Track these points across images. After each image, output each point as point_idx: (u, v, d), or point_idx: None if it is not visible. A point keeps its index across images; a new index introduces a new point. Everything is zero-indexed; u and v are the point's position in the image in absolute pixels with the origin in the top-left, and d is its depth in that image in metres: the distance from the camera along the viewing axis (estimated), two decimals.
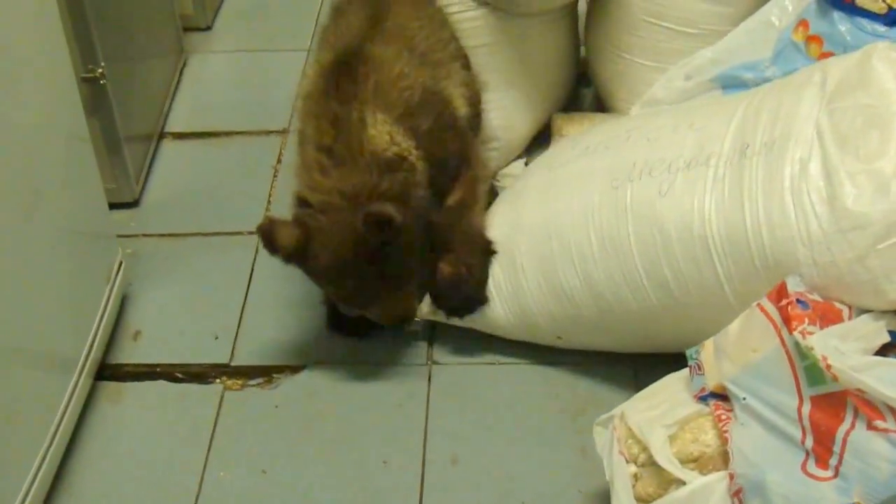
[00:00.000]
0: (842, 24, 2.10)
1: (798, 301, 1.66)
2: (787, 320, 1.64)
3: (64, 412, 2.07)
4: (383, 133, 2.10)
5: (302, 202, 2.11)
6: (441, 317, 2.28)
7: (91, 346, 2.20)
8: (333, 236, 2.05)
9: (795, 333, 1.61)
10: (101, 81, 2.48)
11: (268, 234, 2.06)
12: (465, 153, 2.30)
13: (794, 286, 1.71)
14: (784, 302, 1.67)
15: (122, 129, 2.61)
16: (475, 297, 2.23)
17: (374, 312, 2.19)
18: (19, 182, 1.93)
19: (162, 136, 2.98)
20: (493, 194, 2.50)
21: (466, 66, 2.46)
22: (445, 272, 2.21)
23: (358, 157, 2.08)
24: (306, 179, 2.13)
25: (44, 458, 1.98)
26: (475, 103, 2.46)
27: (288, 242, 2.06)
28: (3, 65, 1.88)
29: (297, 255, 2.08)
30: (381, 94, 2.14)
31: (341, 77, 2.16)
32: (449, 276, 2.21)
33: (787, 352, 1.63)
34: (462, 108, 2.33)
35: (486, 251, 2.23)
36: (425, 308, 2.28)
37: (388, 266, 2.08)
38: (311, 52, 3.16)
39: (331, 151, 2.10)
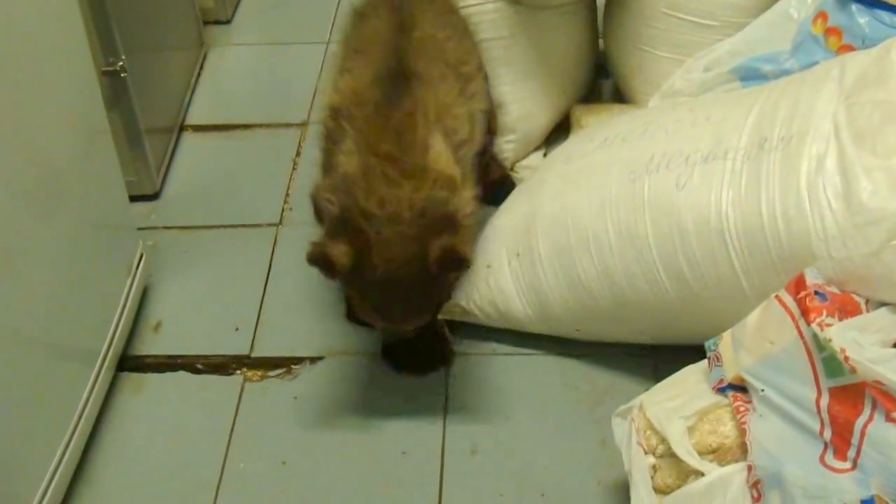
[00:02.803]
0: (860, 17, 2.09)
1: (816, 293, 1.66)
2: (805, 312, 1.64)
3: (85, 403, 2.08)
4: (445, 154, 2.03)
5: (363, 214, 1.96)
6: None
7: (112, 337, 2.21)
8: (396, 251, 1.93)
9: (813, 325, 1.61)
10: (122, 74, 2.49)
11: (322, 259, 1.93)
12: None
13: (812, 278, 1.71)
14: (802, 294, 1.67)
15: (143, 121, 2.61)
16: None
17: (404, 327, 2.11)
18: (40, 176, 1.94)
19: (182, 128, 2.99)
20: (511, 185, 2.52)
21: (487, 77, 2.42)
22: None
23: (425, 172, 1.99)
24: (363, 186, 1.97)
25: (65, 449, 1.99)
26: (491, 118, 2.45)
27: (345, 261, 1.92)
28: (24, 59, 1.89)
29: (354, 271, 1.94)
30: (438, 117, 2.07)
31: (396, 89, 2.06)
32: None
33: (805, 343, 1.63)
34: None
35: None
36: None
37: (437, 290, 2.03)
38: (330, 46, 3.17)
39: (395, 161, 1.99)
